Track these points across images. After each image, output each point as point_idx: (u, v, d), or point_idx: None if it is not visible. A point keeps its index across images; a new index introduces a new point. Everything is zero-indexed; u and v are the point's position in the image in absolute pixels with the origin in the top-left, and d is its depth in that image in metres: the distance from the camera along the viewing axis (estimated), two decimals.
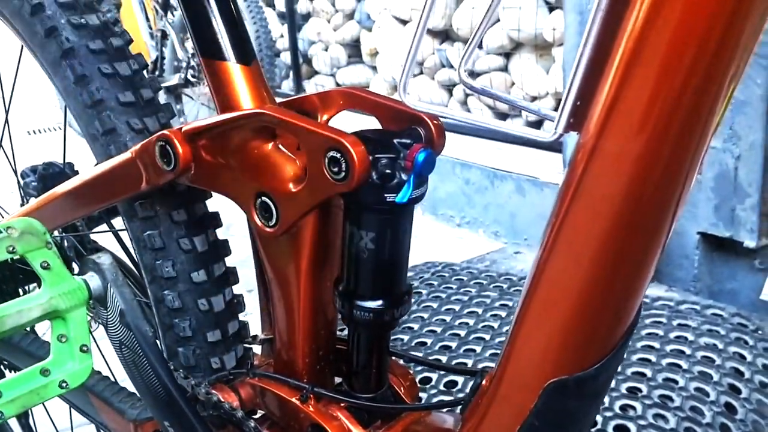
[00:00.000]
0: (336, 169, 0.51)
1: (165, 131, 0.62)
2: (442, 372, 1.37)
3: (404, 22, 2.87)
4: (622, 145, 0.41)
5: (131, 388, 0.73)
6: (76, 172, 0.95)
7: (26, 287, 0.97)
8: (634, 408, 1.24)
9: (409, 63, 0.50)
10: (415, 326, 1.58)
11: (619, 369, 1.35)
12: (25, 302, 0.58)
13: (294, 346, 0.64)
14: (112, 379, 0.84)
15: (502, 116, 2.53)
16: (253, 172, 0.58)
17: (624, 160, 0.41)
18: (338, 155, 0.50)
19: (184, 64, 3.30)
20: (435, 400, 1.33)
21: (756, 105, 1.50)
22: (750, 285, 1.66)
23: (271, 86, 2.66)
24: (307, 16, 3.44)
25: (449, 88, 2.69)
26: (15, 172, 0.99)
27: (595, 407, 0.52)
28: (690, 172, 0.42)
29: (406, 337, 1.53)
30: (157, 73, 3.77)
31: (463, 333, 1.53)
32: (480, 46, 2.52)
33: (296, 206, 0.56)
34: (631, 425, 1.19)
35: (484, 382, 0.55)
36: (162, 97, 0.73)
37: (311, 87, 3.52)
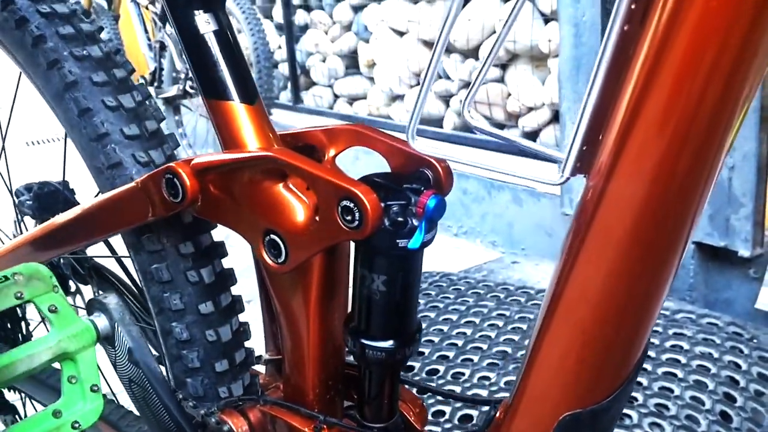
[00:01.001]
0: (349, 218, 0.52)
1: (172, 164, 0.62)
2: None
3: (401, 34, 2.89)
4: (630, 188, 0.42)
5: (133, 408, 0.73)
6: (72, 191, 0.95)
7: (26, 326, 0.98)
8: (630, 417, 1.25)
9: (417, 110, 0.51)
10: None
11: None
12: (34, 346, 0.60)
13: (304, 374, 0.65)
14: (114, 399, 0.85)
15: (500, 127, 2.54)
16: (262, 210, 0.59)
17: (632, 202, 0.42)
18: (351, 204, 0.51)
19: (182, 76, 3.31)
20: (447, 426, 1.33)
21: (749, 116, 1.52)
22: (745, 294, 1.67)
23: (269, 97, 2.67)
24: (304, 28, 3.46)
25: (446, 99, 2.71)
26: (10, 191, 0.99)
27: None
28: (698, 210, 0.43)
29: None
30: (155, 84, 3.78)
31: (460, 343, 1.54)
32: (476, 58, 2.54)
33: (306, 246, 0.57)
34: None
35: (498, 414, 0.56)
36: (165, 127, 0.73)
37: (309, 98, 3.53)
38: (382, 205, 0.52)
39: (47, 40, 0.71)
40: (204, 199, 0.62)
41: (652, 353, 1.45)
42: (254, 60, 3.34)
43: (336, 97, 3.38)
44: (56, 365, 0.62)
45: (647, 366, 1.40)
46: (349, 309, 0.62)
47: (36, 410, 0.85)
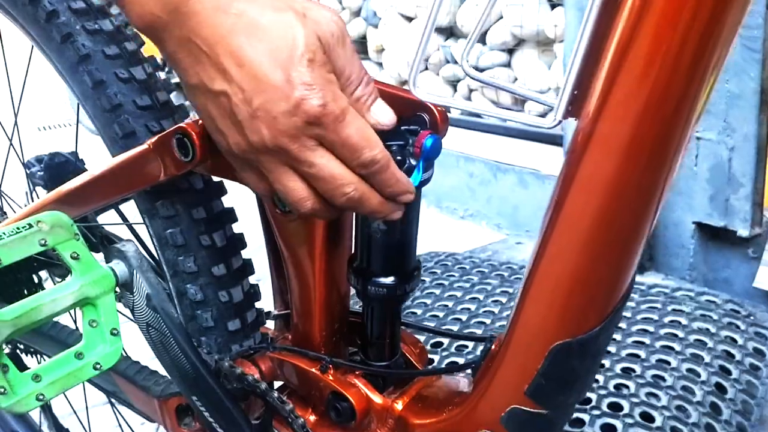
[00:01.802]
0: None
1: (182, 125, 0.64)
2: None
3: (410, 19, 2.92)
4: (616, 129, 0.45)
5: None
6: (82, 161, 0.98)
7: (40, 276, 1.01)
8: (627, 387, 1.29)
9: (418, 57, 0.54)
10: (419, 311, 1.63)
11: (615, 350, 1.40)
12: (58, 291, 0.62)
13: (311, 320, 0.69)
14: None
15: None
16: None
17: (618, 142, 0.46)
18: None
19: None
20: (446, 362, 1.39)
21: (749, 98, 1.55)
22: (744, 273, 1.71)
23: None
24: None
25: (454, 83, 2.74)
26: (23, 162, 1.02)
27: (595, 366, 0.57)
28: (677, 154, 0.47)
29: (409, 321, 1.58)
30: None
31: (464, 317, 1.58)
32: (483, 42, 2.57)
33: None
34: (624, 402, 1.24)
35: (493, 346, 0.60)
36: (176, 98, 0.77)
37: None
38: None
39: (60, 15, 0.73)
40: (213, 158, 0.64)
41: (650, 328, 1.48)
42: None
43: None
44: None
45: (645, 340, 1.44)
46: (353, 251, 0.66)
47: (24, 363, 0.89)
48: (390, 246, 0.62)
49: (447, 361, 1.44)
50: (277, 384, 0.77)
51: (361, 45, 3.24)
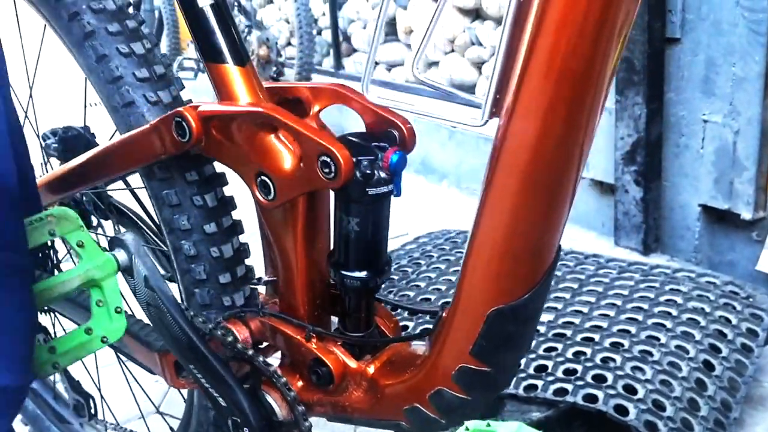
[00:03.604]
0: (327, 170, 0.64)
1: (181, 109, 0.73)
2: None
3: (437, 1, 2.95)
4: (527, 122, 0.53)
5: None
6: (93, 135, 1.05)
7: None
8: (613, 360, 1.32)
9: (370, 62, 0.63)
10: (422, 284, 1.68)
11: (606, 326, 1.43)
12: (68, 274, 0.72)
13: (295, 294, 0.78)
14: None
15: None
16: (255, 154, 0.71)
17: (529, 133, 0.53)
18: (328, 159, 0.64)
19: None
20: (420, 330, 1.43)
21: (754, 81, 1.55)
22: (747, 256, 1.72)
23: (308, 62, 2.78)
24: None
25: (479, 65, 2.76)
26: (38, 135, 1.09)
27: (529, 330, 0.66)
28: (585, 138, 0.54)
29: (412, 293, 1.63)
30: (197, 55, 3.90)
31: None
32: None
33: (291, 189, 0.69)
34: (608, 374, 1.27)
35: (444, 314, 0.68)
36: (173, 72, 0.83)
37: (350, 64, 3.62)
38: (354, 160, 0.64)
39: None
40: (207, 140, 0.74)
41: (645, 305, 1.51)
42: (296, 26, 3.44)
43: (375, 63, 3.46)
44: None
45: (638, 317, 1.46)
46: (331, 247, 0.74)
47: (64, 330, 0.97)
48: (363, 245, 0.71)
49: (421, 328, 1.50)
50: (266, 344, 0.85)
51: (391, 26, 3.27)
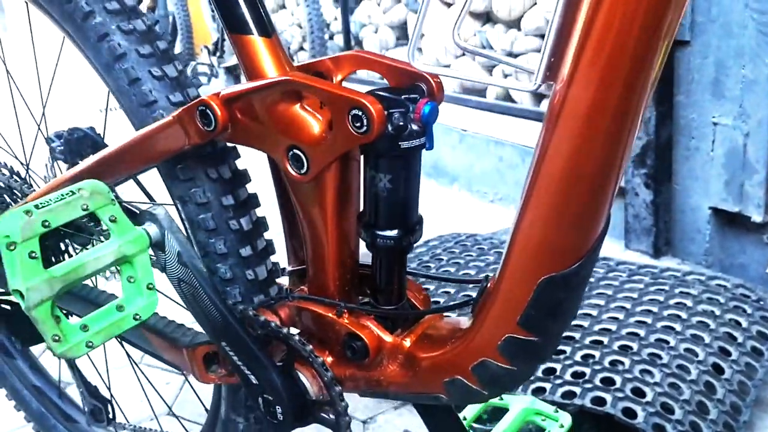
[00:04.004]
0: (358, 124, 0.63)
1: (204, 97, 0.72)
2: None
3: (448, 5, 2.96)
4: (586, 89, 0.53)
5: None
6: (99, 135, 1.03)
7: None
8: (622, 363, 1.32)
9: (417, 30, 0.62)
10: (431, 287, 1.68)
11: (615, 329, 1.43)
12: (100, 250, 0.70)
13: (325, 273, 0.77)
14: None
15: (539, 96, 2.60)
16: (284, 129, 0.70)
17: (587, 99, 0.53)
18: (360, 113, 0.62)
19: None
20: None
21: (764, 84, 1.55)
22: (758, 259, 1.71)
23: None
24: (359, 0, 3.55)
25: (490, 69, 2.77)
26: (46, 139, 1.09)
27: (577, 299, 0.65)
28: (639, 106, 0.54)
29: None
30: (217, 54, 3.93)
31: (475, 294, 1.63)
32: (518, 28, 2.59)
33: (324, 155, 0.68)
34: (617, 377, 1.28)
35: (489, 284, 0.67)
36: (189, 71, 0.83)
37: None
38: (385, 113, 0.63)
39: (96, 15, 0.80)
40: (233, 126, 0.72)
41: (654, 309, 1.51)
42: (308, 30, 3.46)
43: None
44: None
45: (647, 320, 1.46)
46: (362, 208, 0.74)
47: None
48: (394, 202, 0.70)
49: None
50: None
51: (402, 30, 3.29)
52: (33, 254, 0.66)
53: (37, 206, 0.66)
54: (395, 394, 0.76)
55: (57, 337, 0.67)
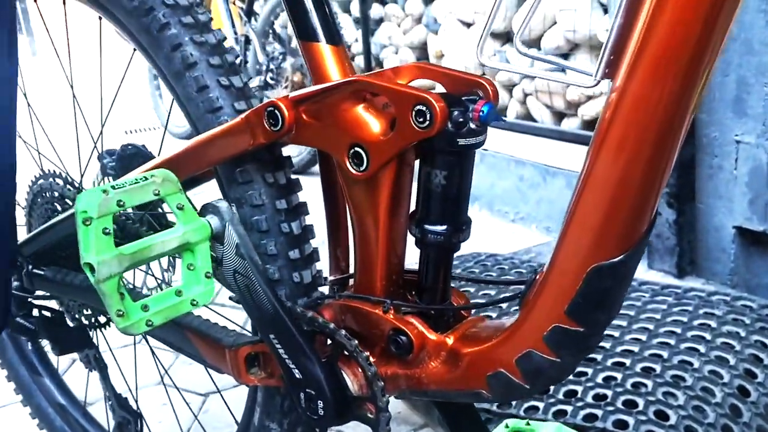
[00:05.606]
0: (421, 119, 0.68)
1: (273, 99, 0.77)
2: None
3: (468, 25, 2.97)
4: (642, 86, 0.56)
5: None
6: (150, 153, 1.08)
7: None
8: (645, 385, 1.30)
9: (487, 28, 0.66)
10: (471, 290, 1.67)
11: (637, 350, 1.41)
12: (166, 234, 0.74)
13: (373, 272, 0.80)
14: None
15: (559, 115, 2.59)
16: (347, 128, 0.74)
17: (644, 96, 0.56)
18: (423, 108, 0.67)
19: (264, 68, 3.50)
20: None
21: None
22: None
23: None
24: (379, 21, 3.57)
25: (509, 88, 2.77)
26: (99, 156, 1.13)
27: (624, 287, 0.67)
28: (691, 102, 0.57)
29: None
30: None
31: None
32: (538, 48, 2.59)
33: (384, 152, 0.72)
34: (639, 400, 1.26)
35: (537, 277, 0.69)
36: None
37: None
38: (447, 109, 0.67)
39: (171, 27, 0.87)
40: (298, 127, 0.77)
41: (678, 330, 1.48)
42: None
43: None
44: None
45: (670, 341, 1.44)
46: (413, 207, 0.77)
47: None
48: (448, 198, 0.73)
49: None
50: None
51: (422, 51, 3.30)
52: (106, 230, 0.70)
53: (113, 187, 0.71)
54: (434, 392, 0.78)
55: (121, 312, 0.71)
